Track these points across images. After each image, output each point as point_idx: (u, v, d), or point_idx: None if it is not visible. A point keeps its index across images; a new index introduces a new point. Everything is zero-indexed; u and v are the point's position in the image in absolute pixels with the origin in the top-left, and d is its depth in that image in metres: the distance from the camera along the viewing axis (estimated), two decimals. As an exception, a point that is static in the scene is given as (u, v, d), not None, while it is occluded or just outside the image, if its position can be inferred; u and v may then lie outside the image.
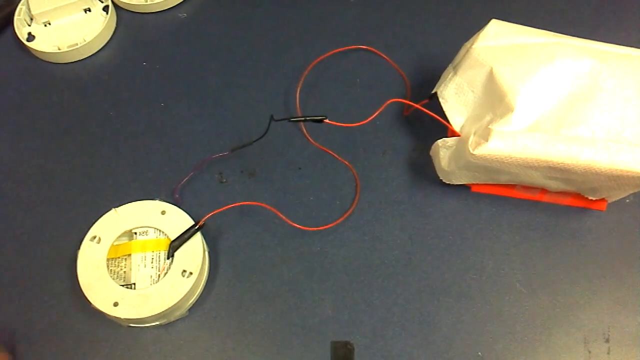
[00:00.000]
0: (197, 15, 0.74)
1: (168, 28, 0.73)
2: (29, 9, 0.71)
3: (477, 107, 0.56)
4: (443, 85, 0.58)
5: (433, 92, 0.59)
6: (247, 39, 0.72)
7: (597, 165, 0.50)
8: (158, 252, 0.56)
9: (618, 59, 0.54)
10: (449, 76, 0.58)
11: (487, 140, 0.51)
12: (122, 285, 0.54)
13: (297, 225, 0.58)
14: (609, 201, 0.59)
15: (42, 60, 0.70)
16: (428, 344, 0.55)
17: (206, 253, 0.57)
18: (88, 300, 0.53)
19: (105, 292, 0.53)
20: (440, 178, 0.60)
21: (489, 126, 0.52)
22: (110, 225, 0.57)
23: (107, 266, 0.55)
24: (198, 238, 0.56)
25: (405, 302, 0.57)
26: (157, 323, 0.55)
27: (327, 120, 0.58)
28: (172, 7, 0.74)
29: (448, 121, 0.57)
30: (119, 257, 0.56)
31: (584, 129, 0.52)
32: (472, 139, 0.53)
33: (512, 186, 0.60)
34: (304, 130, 0.65)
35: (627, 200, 0.61)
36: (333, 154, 0.64)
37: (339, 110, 0.66)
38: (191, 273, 0.54)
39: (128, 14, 0.74)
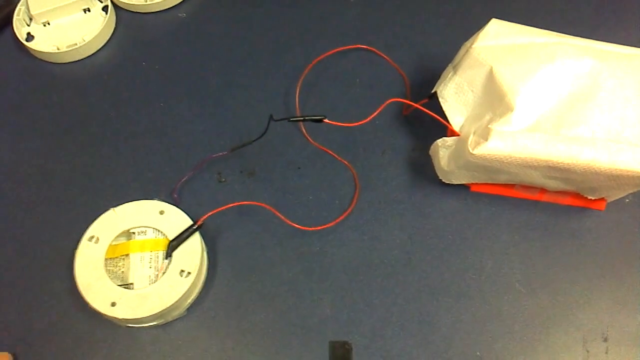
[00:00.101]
0: (196, 15, 0.74)
1: (167, 28, 0.73)
2: (28, 9, 0.71)
3: (476, 106, 0.56)
4: (443, 84, 0.58)
5: (433, 91, 0.59)
6: (247, 38, 0.72)
7: (597, 165, 0.50)
8: (156, 252, 0.56)
9: (618, 59, 0.54)
10: (449, 76, 0.57)
11: (486, 140, 0.51)
12: (120, 285, 0.54)
13: (296, 225, 0.58)
14: (608, 201, 0.59)
15: (41, 60, 0.70)
16: (427, 343, 0.55)
17: (205, 253, 0.57)
18: (86, 301, 0.53)
19: (103, 292, 0.53)
20: (440, 178, 0.60)
21: (489, 126, 0.52)
22: (109, 225, 0.57)
23: (105, 266, 0.55)
24: (196, 238, 0.56)
25: (405, 302, 0.56)
26: (156, 323, 0.55)
27: (326, 120, 0.58)
28: (171, 7, 0.74)
29: (448, 121, 0.57)
30: (117, 257, 0.56)
31: (584, 128, 0.51)
32: (471, 139, 0.53)
33: (511, 186, 0.60)
34: (304, 130, 0.65)
35: (627, 200, 0.61)
36: (332, 153, 0.64)
37: (339, 110, 0.66)
38: (189, 273, 0.54)
39: (127, 14, 0.74)
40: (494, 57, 0.54)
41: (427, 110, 0.57)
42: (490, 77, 0.54)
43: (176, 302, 0.53)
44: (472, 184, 0.60)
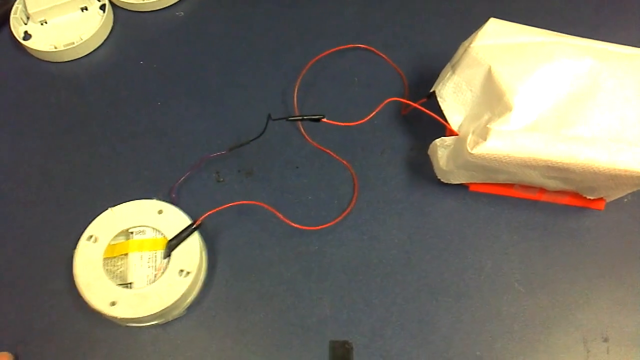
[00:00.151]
0: (194, 13, 0.74)
1: (165, 27, 0.73)
2: (26, 8, 0.71)
3: (475, 106, 0.56)
4: (441, 84, 0.58)
5: (431, 91, 0.59)
6: (245, 37, 0.72)
7: (597, 165, 0.50)
8: (155, 251, 0.56)
9: (618, 59, 0.54)
10: (448, 75, 0.57)
11: (485, 140, 0.51)
12: (119, 285, 0.54)
13: (295, 225, 0.58)
14: (607, 200, 0.59)
15: (38, 59, 0.70)
16: (427, 343, 0.55)
17: (204, 252, 0.57)
18: (85, 300, 0.53)
19: (102, 292, 0.53)
20: (439, 177, 0.60)
21: (487, 125, 0.52)
22: (107, 224, 0.56)
23: (104, 266, 0.55)
24: (195, 237, 0.56)
25: (404, 302, 0.56)
26: (155, 322, 0.55)
27: (324, 120, 0.58)
28: (169, 6, 0.74)
29: (446, 120, 0.57)
30: (115, 257, 0.55)
31: (584, 128, 0.51)
32: (470, 138, 0.52)
33: (510, 185, 0.60)
34: (302, 130, 0.65)
35: (626, 200, 0.61)
36: (331, 153, 0.63)
37: (337, 110, 0.66)
38: (189, 272, 0.54)
39: (125, 13, 0.74)
40: (493, 56, 0.54)
41: (425, 110, 0.57)
42: (489, 77, 0.54)
43: (175, 301, 0.53)
44: (471, 183, 0.60)
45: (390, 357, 0.54)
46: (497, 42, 0.55)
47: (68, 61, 0.70)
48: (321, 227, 0.59)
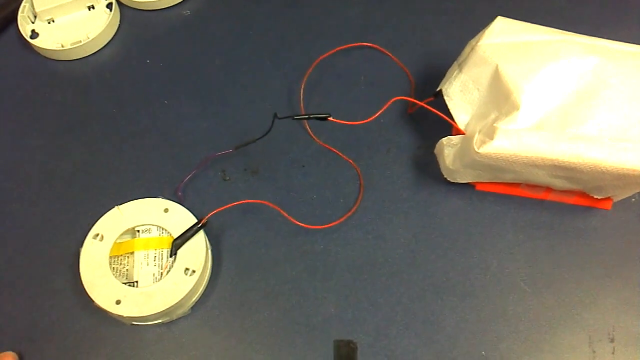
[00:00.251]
0: (200, 12, 0.74)
1: (171, 26, 0.73)
2: (33, 6, 0.71)
3: (482, 105, 0.56)
4: (448, 82, 0.58)
5: (438, 89, 0.59)
6: (251, 36, 0.72)
7: (603, 164, 0.50)
8: (161, 250, 0.56)
9: (623, 57, 0.53)
10: (454, 74, 0.57)
11: (492, 139, 0.51)
12: (125, 283, 0.54)
13: (301, 224, 0.58)
14: (614, 200, 0.59)
15: (45, 57, 0.70)
16: (432, 343, 0.55)
17: (209, 251, 0.57)
18: (91, 298, 0.53)
19: (107, 290, 0.53)
20: (445, 176, 0.60)
21: (494, 124, 0.52)
22: (113, 223, 0.56)
23: (110, 264, 0.55)
24: (201, 236, 0.56)
25: (409, 301, 0.56)
26: (160, 321, 0.55)
27: (331, 118, 0.57)
28: (175, 5, 0.74)
29: (453, 119, 0.57)
30: (121, 255, 0.55)
31: (590, 127, 0.51)
32: (477, 137, 0.52)
33: (516, 185, 0.60)
34: (308, 128, 0.65)
35: (633, 199, 0.61)
36: (337, 152, 0.63)
37: (343, 108, 0.66)
38: (194, 271, 0.54)
39: (131, 12, 0.74)
40: (500, 55, 0.54)
41: (432, 109, 0.57)
42: (496, 75, 0.54)
43: (180, 300, 0.53)
44: (477, 182, 0.60)
45: (395, 357, 0.54)
46: (504, 40, 0.55)
47: (75, 60, 0.70)
48: (326, 226, 0.59)
